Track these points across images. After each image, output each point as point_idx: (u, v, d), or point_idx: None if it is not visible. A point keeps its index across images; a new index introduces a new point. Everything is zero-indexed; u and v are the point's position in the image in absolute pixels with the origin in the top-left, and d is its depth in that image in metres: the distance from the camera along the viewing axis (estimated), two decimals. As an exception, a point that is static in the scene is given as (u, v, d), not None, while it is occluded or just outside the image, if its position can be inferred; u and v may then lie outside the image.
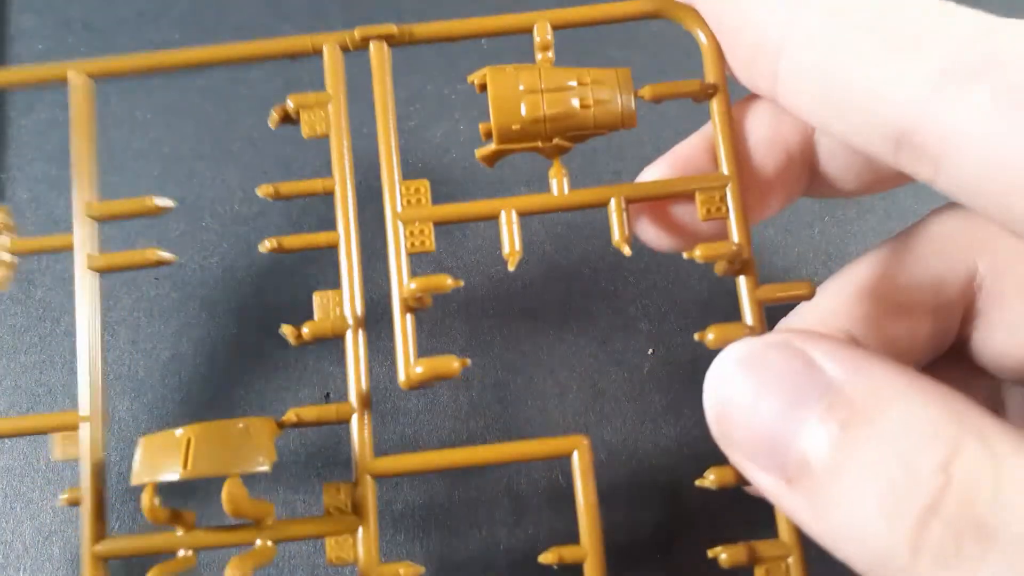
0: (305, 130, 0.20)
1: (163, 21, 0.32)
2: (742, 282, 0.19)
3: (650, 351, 0.26)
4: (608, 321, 0.27)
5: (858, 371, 0.15)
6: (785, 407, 0.15)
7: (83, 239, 0.20)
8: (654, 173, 0.20)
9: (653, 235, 0.21)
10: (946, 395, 0.15)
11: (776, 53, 0.17)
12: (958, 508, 0.14)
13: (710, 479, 0.19)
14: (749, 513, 0.25)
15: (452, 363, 0.18)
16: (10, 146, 0.30)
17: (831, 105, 0.17)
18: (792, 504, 0.15)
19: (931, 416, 0.14)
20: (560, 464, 0.25)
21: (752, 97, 0.20)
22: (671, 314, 0.26)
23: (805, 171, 0.20)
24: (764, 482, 0.16)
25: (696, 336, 0.18)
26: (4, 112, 0.31)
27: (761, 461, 0.16)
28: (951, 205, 0.21)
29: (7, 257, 0.21)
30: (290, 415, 0.19)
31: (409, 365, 0.19)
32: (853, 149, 0.19)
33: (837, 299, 0.20)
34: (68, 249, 0.20)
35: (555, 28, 0.20)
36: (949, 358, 0.21)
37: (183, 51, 0.21)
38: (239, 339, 0.27)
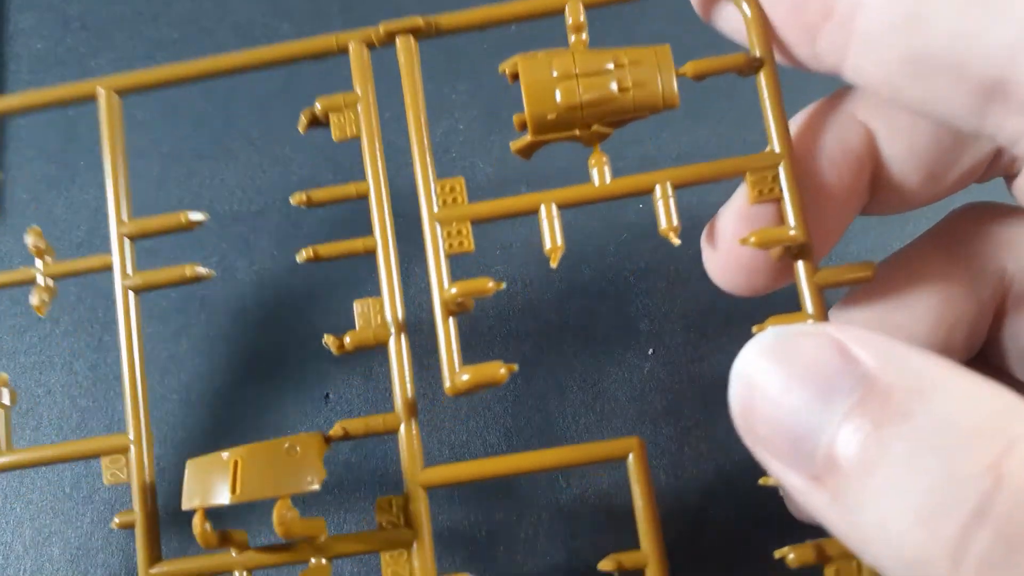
0: (336, 133, 0.20)
1: (162, 20, 0.32)
2: (800, 268, 0.18)
3: (650, 351, 0.26)
4: (608, 321, 0.26)
5: (894, 360, 0.14)
6: (814, 399, 0.14)
7: (120, 259, 0.20)
8: (729, 216, 0.20)
9: (728, 278, 0.20)
10: (994, 387, 0.13)
11: (849, 18, 0.16)
12: (1011, 512, 0.12)
13: (790, 557, 0.18)
14: (751, 511, 0.25)
15: (498, 370, 0.17)
16: (10, 146, 0.30)
17: (914, 65, 0.16)
18: (818, 503, 0.14)
19: (978, 410, 0.13)
20: (560, 464, 0.25)
21: (809, 111, 0.20)
22: (671, 314, 0.26)
23: (869, 181, 0.20)
24: (790, 480, 0.15)
25: (754, 328, 0.17)
26: (3, 112, 0.31)
27: (786, 457, 0.14)
28: (970, 206, 0.21)
29: (46, 282, 0.21)
30: (337, 429, 0.19)
31: (454, 371, 0.18)
32: (930, 118, 0.18)
33: (869, 306, 0.20)
34: (106, 269, 0.20)
35: (588, 7, 0.19)
36: (972, 365, 0.21)
37: (208, 59, 0.21)
38: (239, 339, 0.27)
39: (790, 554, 0.17)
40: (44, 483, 0.26)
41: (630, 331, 0.26)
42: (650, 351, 0.26)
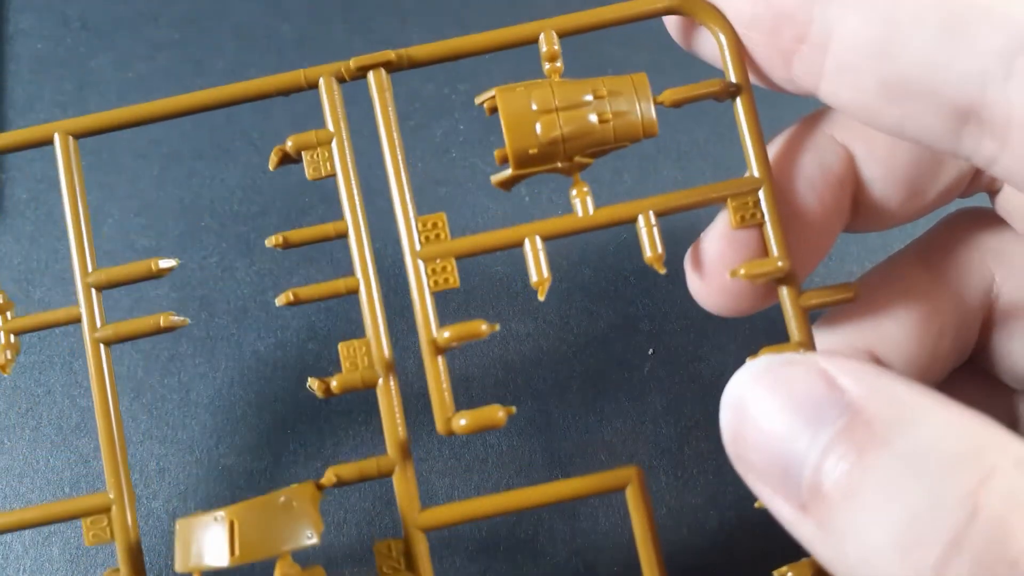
0: (309, 172, 0.19)
1: (162, 20, 0.32)
2: (784, 292, 0.18)
3: (650, 351, 0.26)
4: (608, 321, 0.26)
5: (878, 390, 0.14)
6: (801, 427, 0.14)
7: (88, 311, 0.19)
8: (712, 240, 0.19)
9: (712, 301, 0.20)
10: (974, 417, 0.14)
11: (823, 44, 0.17)
12: (987, 542, 0.12)
13: None
14: (751, 512, 0.25)
15: (496, 413, 0.17)
16: (9, 146, 0.30)
17: (888, 89, 0.16)
18: (805, 532, 0.14)
19: (957, 439, 0.13)
20: (561, 464, 0.25)
21: (788, 134, 0.20)
22: (671, 314, 0.26)
23: (851, 201, 0.20)
24: (779, 508, 0.15)
25: (748, 358, 0.17)
26: (4, 112, 0.31)
27: (775, 484, 0.15)
28: (960, 213, 0.21)
29: (8, 338, 0.20)
30: (330, 476, 0.18)
31: (445, 413, 0.18)
32: (906, 140, 0.18)
33: (857, 316, 0.20)
34: (75, 322, 0.19)
35: (562, 36, 0.19)
36: (962, 371, 0.21)
37: (172, 99, 0.20)
38: (238, 339, 0.27)
39: (788, 573, 0.17)
40: (44, 483, 0.26)
41: (630, 331, 0.26)
42: (650, 351, 0.26)
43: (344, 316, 0.27)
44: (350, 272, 0.28)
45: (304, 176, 0.29)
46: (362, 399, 0.26)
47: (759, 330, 0.26)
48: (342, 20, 0.31)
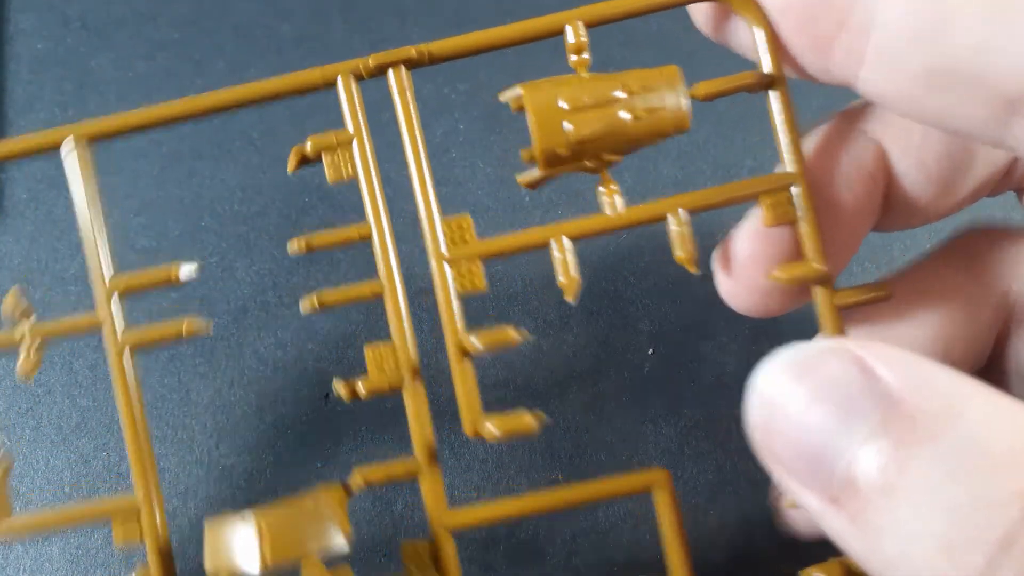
0: (330, 174, 0.18)
1: (162, 20, 0.32)
2: (818, 292, 0.18)
3: (650, 351, 0.26)
4: (608, 321, 0.26)
5: (920, 380, 0.13)
6: (834, 417, 0.14)
7: (109, 317, 0.19)
8: (743, 239, 0.19)
9: (743, 301, 0.20)
10: (1023, 409, 0.13)
11: (865, 30, 0.16)
12: None
13: None
14: (751, 512, 0.25)
15: (525, 419, 0.17)
16: (9, 146, 0.30)
17: (933, 77, 0.15)
18: (836, 525, 0.14)
19: (1007, 432, 0.12)
20: (560, 464, 0.25)
21: (818, 129, 0.19)
22: (671, 314, 0.26)
23: (882, 199, 0.19)
24: (807, 501, 0.14)
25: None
26: (3, 112, 0.31)
27: (803, 477, 0.14)
28: (975, 225, 0.21)
29: (33, 342, 0.19)
30: (357, 478, 0.18)
31: (472, 414, 0.18)
32: (948, 131, 0.17)
33: (875, 320, 0.19)
34: (96, 328, 0.19)
35: (589, 27, 0.18)
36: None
37: (188, 100, 0.19)
38: (238, 339, 0.27)
39: (815, 574, 0.17)
40: (43, 483, 0.26)
41: (630, 331, 0.26)
42: (650, 351, 0.26)
43: (344, 316, 0.27)
44: (350, 272, 0.28)
45: (304, 176, 0.29)
46: (363, 399, 0.26)
47: (761, 330, 0.26)
48: (342, 20, 0.31)
